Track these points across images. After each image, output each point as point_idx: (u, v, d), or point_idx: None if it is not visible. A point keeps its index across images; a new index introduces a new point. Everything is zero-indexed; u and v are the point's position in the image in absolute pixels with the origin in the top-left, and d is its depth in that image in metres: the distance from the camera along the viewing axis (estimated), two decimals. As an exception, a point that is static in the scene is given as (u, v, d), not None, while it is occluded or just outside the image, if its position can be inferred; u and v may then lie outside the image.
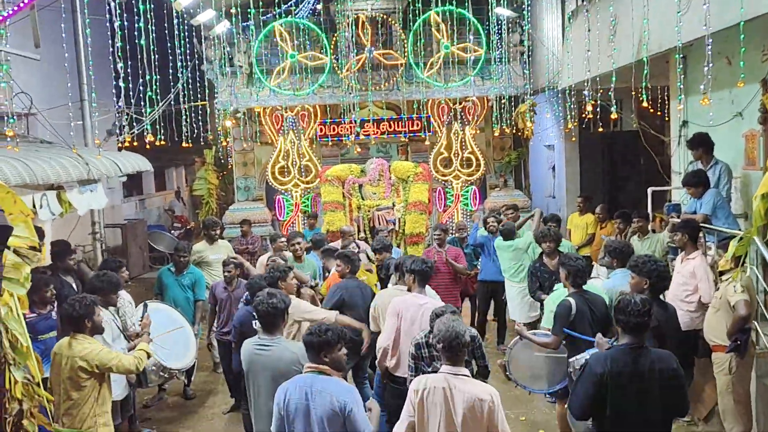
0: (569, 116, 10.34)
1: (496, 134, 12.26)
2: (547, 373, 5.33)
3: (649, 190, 8.53)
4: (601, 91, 8.27)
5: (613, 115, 7.02)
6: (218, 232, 8.78)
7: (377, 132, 12.59)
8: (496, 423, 3.57)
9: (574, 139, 11.97)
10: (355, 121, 11.95)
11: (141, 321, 5.66)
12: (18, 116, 7.35)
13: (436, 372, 3.88)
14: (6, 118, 6.94)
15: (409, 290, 5.51)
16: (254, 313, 5.01)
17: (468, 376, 3.71)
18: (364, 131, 12.28)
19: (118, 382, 5.65)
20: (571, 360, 4.85)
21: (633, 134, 11.41)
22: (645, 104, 6.45)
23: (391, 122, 12.71)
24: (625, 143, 12.64)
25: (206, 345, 8.00)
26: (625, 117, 11.77)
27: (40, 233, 7.59)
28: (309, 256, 8.07)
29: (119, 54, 6.95)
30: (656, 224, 8.64)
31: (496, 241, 8.12)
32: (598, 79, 8.20)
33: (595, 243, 9.53)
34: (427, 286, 5.63)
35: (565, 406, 5.77)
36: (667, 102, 9.31)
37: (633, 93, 7.70)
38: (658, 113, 10.22)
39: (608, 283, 5.85)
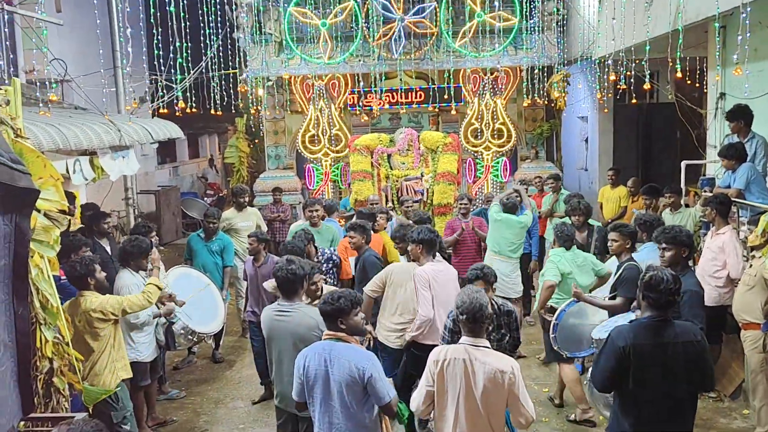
0: (602, 87, 10.10)
1: (528, 105, 12.08)
2: (580, 337, 5.39)
3: (683, 164, 8.36)
4: (637, 61, 8.06)
5: (646, 86, 6.85)
6: (246, 199, 8.87)
7: (406, 101, 12.48)
8: (517, 394, 3.56)
9: (607, 110, 11.72)
10: (382, 91, 11.84)
11: (151, 257, 5.74)
12: (53, 84, 7.48)
13: None
14: (39, 84, 7.08)
15: (416, 261, 5.48)
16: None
17: (488, 348, 3.70)
18: (391, 100, 12.20)
19: (148, 344, 5.83)
20: (593, 333, 4.85)
21: (669, 106, 11.13)
22: (680, 75, 6.27)
23: (421, 92, 12.58)
24: (661, 115, 12.35)
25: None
26: (661, 89, 11.48)
27: (71, 198, 7.82)
28: (329, 223, 8.11)
29: (151, 21, 7.01)
30: (690, 198, 8.48)
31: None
32: (633, 49, 7.99)
33: (626, 216, 9.39)
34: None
35: (570, 367, 5.83)
36: (704, 73, 9.05)
37: (669, 64, 7.49)
38: (696, 85, 9.94)
39: (637, 257, 5.79)
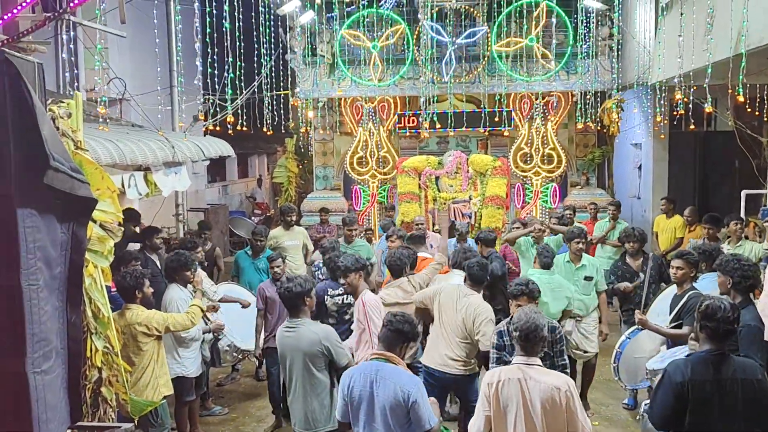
0: (659, 112, 9.86)
1: (580, 130, 11.88)
2: (638, 369, 5.21)
3: (744, 193, 8.07)
4: (695, 87, 7.85)
5: (708, 109, 6.63)
6: (294, 218, 8.92)
7: (456, 125, 12.43)
8: (574, 410, 3.50)
9: (663, 136, 11.44)
10: (427, 114, 11.81)
11: (195, 279, 5.82)
12: (112, 101, 7.71)
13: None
14: (99, 101, 7.31)
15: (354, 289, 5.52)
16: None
17: (541, 366, 3.64)
18: (441, 124, 12.18)
19: (194, 359, 5.86)
20: (648, 363, 4.66)
21: (727, 134, 10.80)
22: (741, 99, 6.06)
23: (471, 115, 12.52)
24: (719, 143, 11.98)
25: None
26: (720, 116, 11.16)
27: (135, 215, 7.99)
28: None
29: (207, 40, 7.17)
30: (750, 230, 8.16)
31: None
32: (691, 74, 7.79)
33: (682, 247, 9.09)
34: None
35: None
36: (765, 101, 8.75)
37: (729, 90, 7.27)
38: (756, 113, 9.63)
39: (698, 286, 5.57)
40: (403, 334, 3.80)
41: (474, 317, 5.17)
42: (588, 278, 6.60)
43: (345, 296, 5.93)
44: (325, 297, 5.95)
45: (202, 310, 5.41)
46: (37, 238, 3.18)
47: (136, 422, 4.46)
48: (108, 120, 6.96)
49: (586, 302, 6.55)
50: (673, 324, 5.24)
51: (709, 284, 5.50)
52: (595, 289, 6.62)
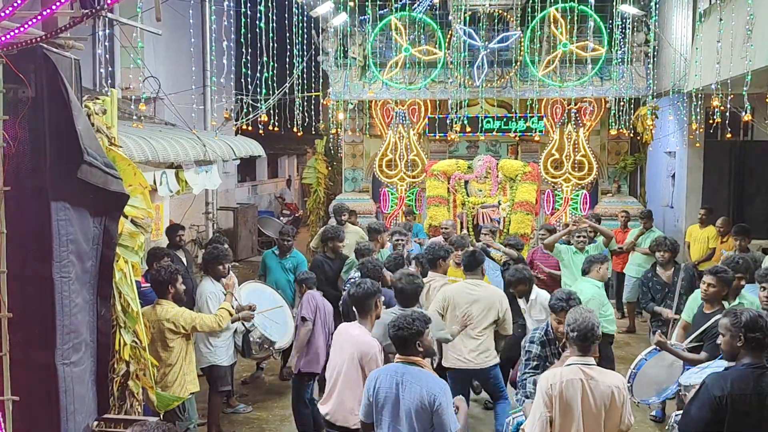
0: (694, 120, 9.68)
1: (613, 137, 11.72)
2: (657, 383, 5.09)
3: (780, 205, 7.87)
4: (732, 95, 7.68)
5: (746, 117, 6.49)
6: (345, 217, 9.05)
7: (486, 129, 12.35)
8: (626, 407, 3.61)
9: (698, 145, 11.22)
10: (458, 118, 11.75)
11: (226, 282, 5.87)
12: (146, 100, 7.82)
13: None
14: (134, 99, 7.43)
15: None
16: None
17: (596, 365, 3.68)
18: (471, 129, 12.11)
19: (226, 348, 5.96)
20: (681, 379, 4.56)
21: (765, 144, 10.56)
22: (782, 109, 5.91)
23: (503, 119, 12.43)
24: (756, 153, 11.71)
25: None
26: (758, 125, 10.92)
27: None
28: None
29: (241, 41, 7.25)
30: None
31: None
32: (729, 82, 7.63)
33: (714, 257, 8.91)
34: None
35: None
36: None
37: (767, 99, 7.11)
38: (796, 122, 9.40)
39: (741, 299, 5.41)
40: (413, 332, 3.74)
41: (499, 304, 5.60)
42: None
43: None
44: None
45: (231, 314, 5.44)
46: (69, 231, 3.23)
47: (161, 416, 4.50)
48: (142, 118, 7.07)
49: None
50: (693, 344, 5.08)
51: (749, 295, 5.36)
52: None
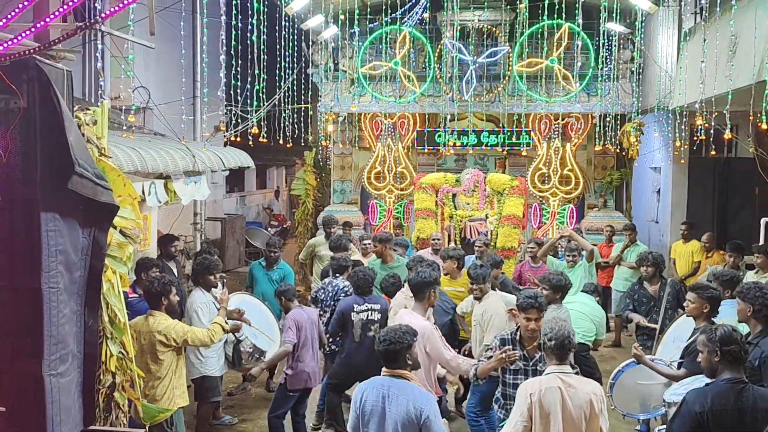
0: (679, 137, 9.83)
1: (599, 152, 11.86)
2: (641, 398, 5.13)
3: (763, 221, 7.99)
4: (716, 113, 7.82)
5: (728, 135, 6.61)
6: (334, 229, 9.05)
7: (474, 143, 12.45)
8: (604, 414, 3.68)
9: (683, 161, 11.38)
10: (446, 132, 11.84)
11: (219, 296, 5.82)
12: (137, 110, 7.84)
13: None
14: (123, 110, 7.44)
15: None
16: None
17: (573, 373, 3.75)
18: (460, 143, 12.20)
19: (217, 358, 5.95)
20: (665, 395, 4.61)
21: (748, 161, 10.69)
22: (764, 126, 6.03)
23: (490, 134, 12.54)
24: (739, 170, 11.88)
25: None
26: (741, 142, 11.08)
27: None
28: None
29: (231, 52, 7.29)
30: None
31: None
32: (713, 100, 7.76)
33: (700, 273, 9.01)
34: None
35: None
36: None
37: (750, 117, 7.24)
38: (779, 140, 9.54)
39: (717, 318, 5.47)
40: (404, 346, 3.78)
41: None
42: None
43: (370, 312, 5.98)
44: (352, 313, 6.01)
45: (224, 329, 5.40)
46: (59, 242, 3.24)
47: (147, 428, 4.48)
48: (132, 128, 7.08)
49: None
50: (673, 360, 5.14)
51: (728, 310, 5.41)
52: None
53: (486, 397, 5.34)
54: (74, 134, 3.31)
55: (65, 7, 3.11)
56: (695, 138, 9.37)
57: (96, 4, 7.18)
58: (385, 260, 7.88)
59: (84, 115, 3.83)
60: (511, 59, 11.72)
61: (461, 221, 10.84)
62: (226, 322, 5.44)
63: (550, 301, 5.39)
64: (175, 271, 7.19)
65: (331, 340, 6.54)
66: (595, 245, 9.20)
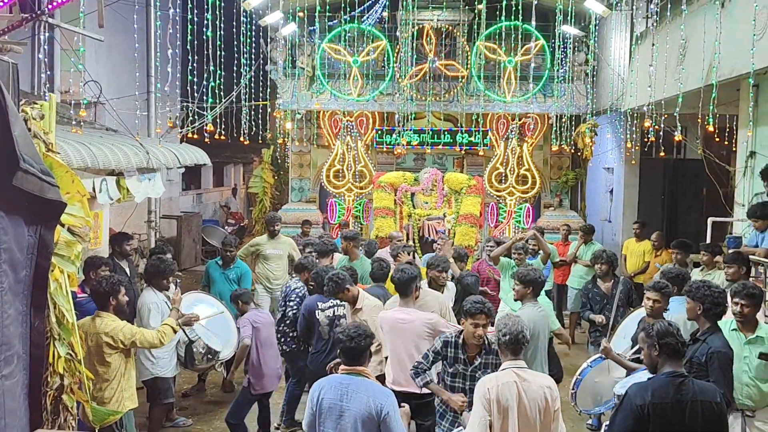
0: (630, 138, 10.07)
1: (554, 152, 12.05)
2: (593, 393, 5.24)
3: (710, 221, 8.22)
4: (666, 115, 8.03)
5: (678, 137, 6.79)
6: (278, 227, 8.82)
7: (433, 142, 12.52)
8: (558, 408, 3.79)
9: (634, 162, 11.67)
10: (403, 131, 11.89)
11: (173, 297, 5.69)
12: (87, 105, 7.62)
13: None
14: (73, 104, 7.24)
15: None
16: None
17: (527, 368, 3.88)
18: (417, 143, 12.26)
19: (169, 359, 5.85)
20: (615, 389, 4.70)
21: (696, 162, 11.03)
22: (711, 128, 6.21)
23: (448, 133, 12.62)
24: (688, 171, 12.25)
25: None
26: (690, 144, 11.41)
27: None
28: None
29: (188, 47, 7.15)
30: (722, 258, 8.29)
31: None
32: (663, 102, 7.97)
33: (648, 271, 9.26)
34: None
35: None
36: (734, 131, 8.97)
37: (699, 120, 7.46)
38: (725, 142, 9.86)
39: (667, 315, 5.61)
40: (368, 343, 3.86)
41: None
42: (764, 356, 4.63)
43: (336, 308, 5.96)
44: (316, 312, 5.97)
45: (174, 331, 5.29)
46: (3, 240, 3.13)
47: (96, 431, 4.38)
48: (82, 123, 6.89)
49: (763, 389, 4.68)
50: (634, 351, 5.26)
51: (677, 307, 5.56)
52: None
53: None
54: (20, 129, 3.20)
55: (10, -3, 3.01)
56: (646, 140, 9.61)
57: (45, -5, 6.97)
58: (352, 258, 7.88)
59: (31, 109, 3.72)
60: (469, 59, 11.82)
61: (419, 220, 10.90)
62: (177, 324, 5.33)
63: (521, 296, 5.37)
64: (127, 270, 7.03)
65: (288, 339, 6.52)
66: (551, 244, 9.39)
